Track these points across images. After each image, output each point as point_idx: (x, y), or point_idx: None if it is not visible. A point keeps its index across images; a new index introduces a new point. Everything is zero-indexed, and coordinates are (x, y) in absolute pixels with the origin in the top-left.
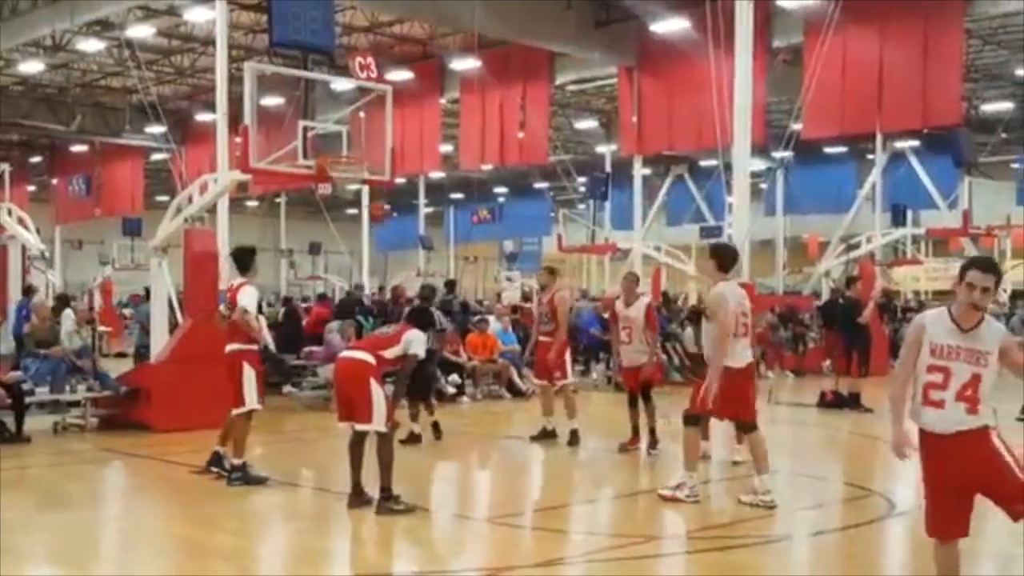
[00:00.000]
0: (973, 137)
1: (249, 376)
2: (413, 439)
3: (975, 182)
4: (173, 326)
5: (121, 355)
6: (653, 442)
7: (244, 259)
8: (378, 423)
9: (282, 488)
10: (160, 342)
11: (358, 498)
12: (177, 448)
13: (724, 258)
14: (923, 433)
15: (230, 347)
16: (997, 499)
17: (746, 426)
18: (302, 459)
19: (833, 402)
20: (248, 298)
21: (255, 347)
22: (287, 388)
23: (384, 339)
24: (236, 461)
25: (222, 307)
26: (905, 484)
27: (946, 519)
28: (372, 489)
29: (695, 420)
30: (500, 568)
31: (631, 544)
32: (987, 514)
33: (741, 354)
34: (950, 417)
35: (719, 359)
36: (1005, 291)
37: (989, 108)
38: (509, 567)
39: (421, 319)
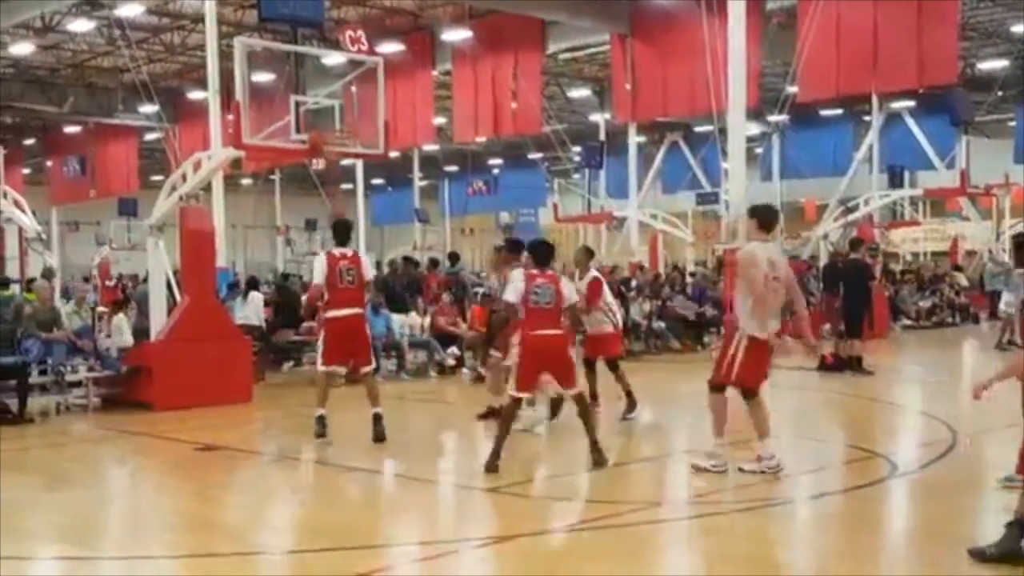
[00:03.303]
0: (969, 96)
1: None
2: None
3: (972, 141)
4: (171, 305)
5: None
6: (631, 405)
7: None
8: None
9: (285, 463)
10: (159, 321)
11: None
12: (179, 426)
13: (763, 217)
14: None
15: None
16: None
17: (747, 392)
18: (302, 434)
19: (834, 365)
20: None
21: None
22: (287, 365)
23: (555, 306)
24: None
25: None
26: (907, 446)
27: None
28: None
29: (720, 387)
30: (503, 536)
31: (632, 511)
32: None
33: (769, 321)
34: None
35: (749, 323)
36: (1005, 251)
37: (985, 66)
38: (513, 535)
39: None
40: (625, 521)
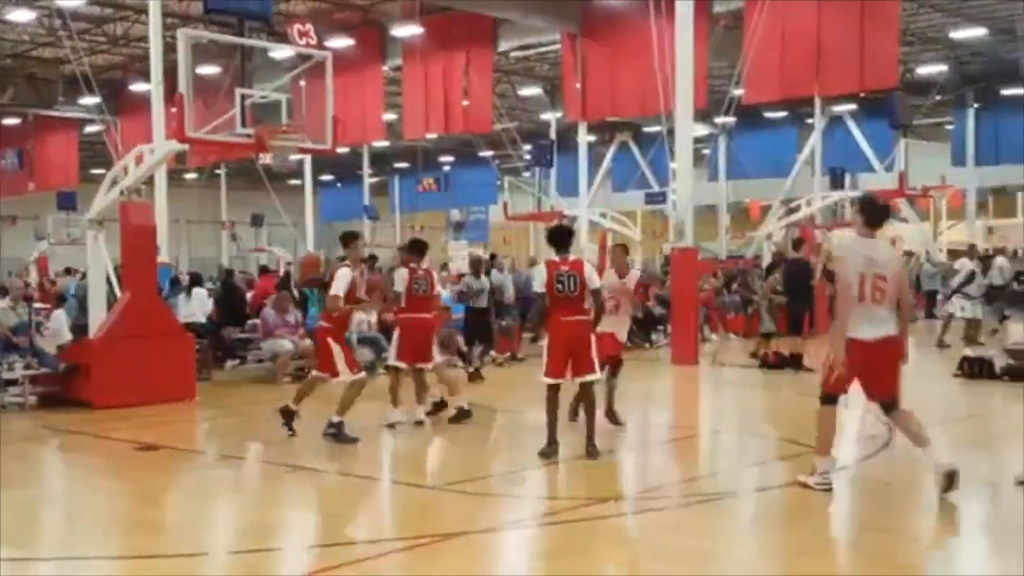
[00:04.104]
0: (908, 99)
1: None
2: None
3: (911, 144)
4: (112, 301)
5: None
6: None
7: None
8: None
9: (226, 462)
10: (98, 317)
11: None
12: (119, 425)
13: (871, 212)
14: None
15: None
16: None
17: (887, 404)
18: (245, 433)
19: (775, 363)
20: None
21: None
22: (230, 363)
23: (579, 293)
24: (335, 418)
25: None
26: (845, 441)
27: None
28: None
29: (830, 399)
30: (450, 534)
31: (578, 507)
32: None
33: (872, 324)
34: None
35: (840, 328)
36: (941, 251)
37: (924, 71)
38: (460, 532)
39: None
40: (571, 517)
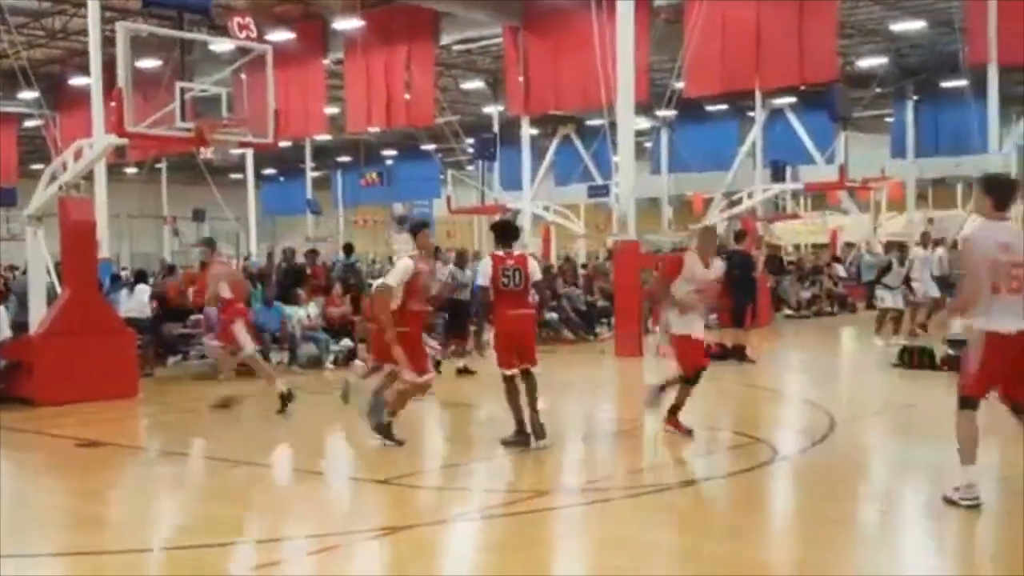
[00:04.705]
0: (848, 92)
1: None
2: None
3: (851, 137)
4: (51, 298)
5: None
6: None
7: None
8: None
9: (170, 458)
10: (38, 314)
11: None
12: (61, 421)
13: (1000, 192)
14: None
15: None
16: None
17: (1016, 406)
18: (188, 429)
19: (718, 354)
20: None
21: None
22: (172, 359)
23: (523, 287)
24: (385, 418)
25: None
26: (787, 431)
27: None
28: None
29: (969, 403)
30: (396, 527)
31: (524, 499)
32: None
33: (1014, 316)
34: None
35: (974, 321)
36: (880, 242)
37: (864, 63)
38: (406, 526)
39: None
40: (516, 509)
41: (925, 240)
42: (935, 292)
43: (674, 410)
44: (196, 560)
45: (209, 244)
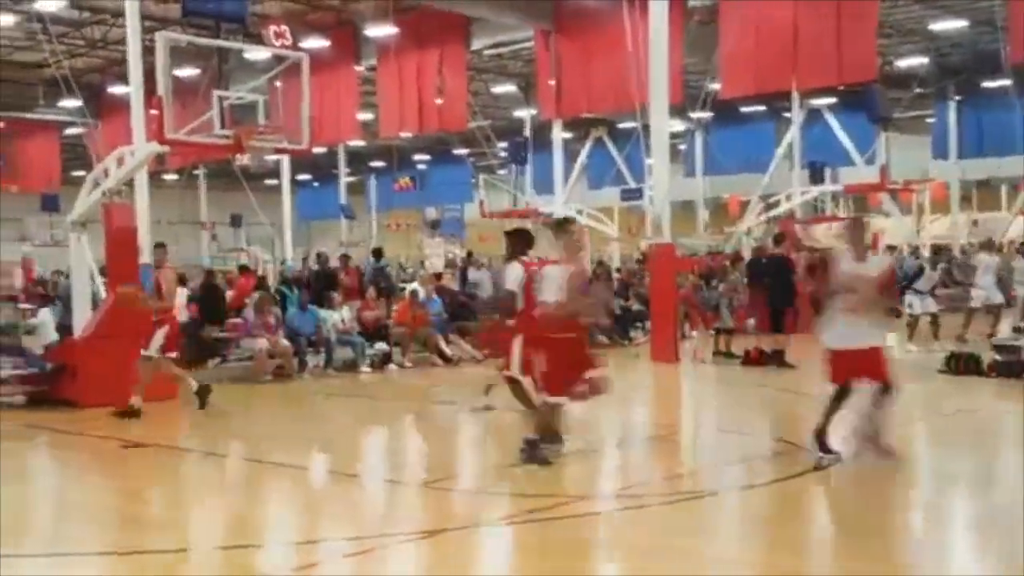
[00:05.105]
0: (888, 93)
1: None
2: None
3: (891, 137)
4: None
5: None
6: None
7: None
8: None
9: (210, 459)
10: (83, 318)
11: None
12: (105, 423)
13: None
14: None
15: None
16: None
17: None
18: (229, 430)
19: (757, 360)
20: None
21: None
22: (212, 362)
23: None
24: (530, 436)
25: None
26: (830, 439)
27: None
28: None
29: None
30: (433, 531)
31: (561, 504)
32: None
33: None
34: None
35: None
36: (924, 245)
37: (903, 63)
38: (442, 529)
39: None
40: (554, 515)
41: (990, 245)
42: (999, 298)
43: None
44: (235, 560)
45: (160, 246)
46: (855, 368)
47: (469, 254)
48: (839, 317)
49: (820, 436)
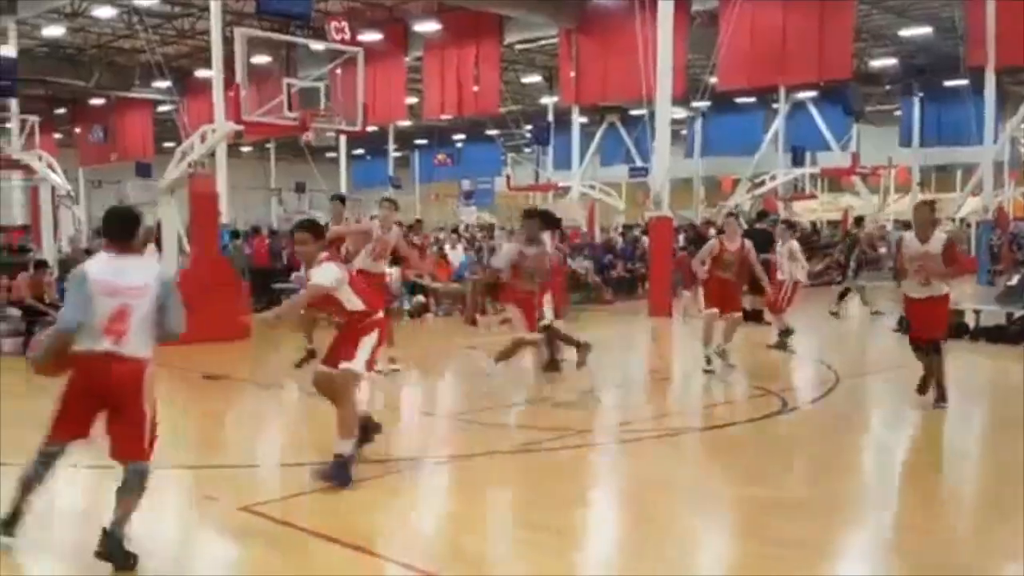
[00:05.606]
0: (861, 89)
1: None
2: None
3: (863, 128)
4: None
5: None
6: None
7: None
8: None
9: (277, 390)
10: (170, 268)
11: None
12: (187, 359)
13: None
14: None
15: None
16: None
17: None
18: (292, 366)
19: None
20: None
21: None
22: None
23: None
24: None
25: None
26: (797, 386)
27: None
28: None
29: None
30: (459, 455)
31: (565, 436)
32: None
33: None
34: None
35: None
36: (888, 220)
37: (876, 64)
38: (468, 455)
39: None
40: (560, 445)
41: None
42: None
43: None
44: (296, 474)
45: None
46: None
47: (491, 227)
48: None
49: (940, 387)
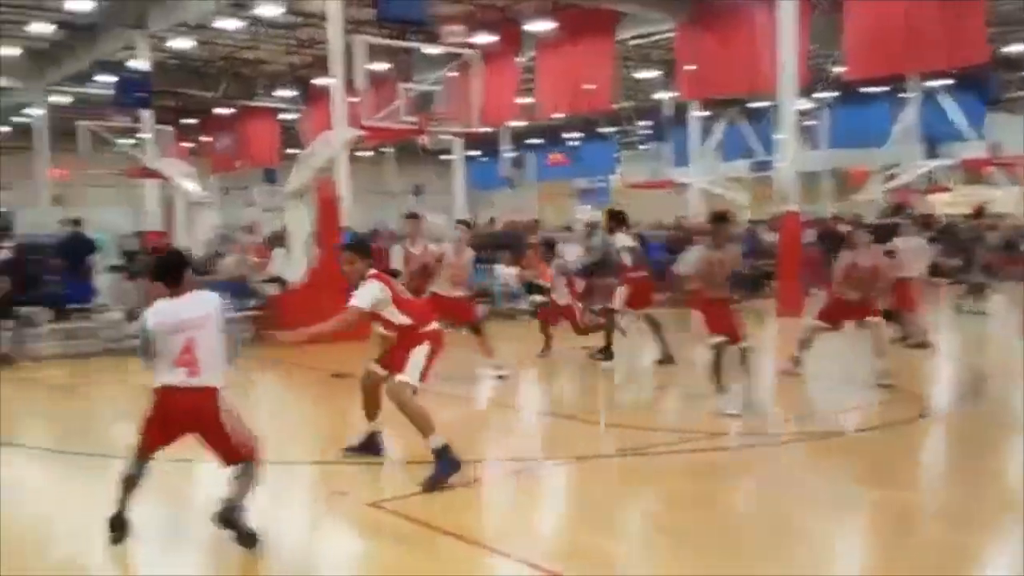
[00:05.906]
0: (1000, 75)
1: None
2: None
3: (1002, 117)
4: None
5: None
6: None
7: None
8: None
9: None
10: (299, 268)
11: None
12: (316, 358)
13: None
14: None
15: None
16: None
17: None
18: None
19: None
20: None
21: None
22: None
23: None
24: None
25: None
26: (941, 389)
27: None
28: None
29: None
30: (584, 456)
31: (692, 439)
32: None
33: None
34: None
35: None
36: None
37: (1013, 49)
38: (591, 456)
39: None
40: (687, 447)
41: None
42: None
43: None
44: (414, 471)
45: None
46: None
47: (592, 224)
48: None
49: None
